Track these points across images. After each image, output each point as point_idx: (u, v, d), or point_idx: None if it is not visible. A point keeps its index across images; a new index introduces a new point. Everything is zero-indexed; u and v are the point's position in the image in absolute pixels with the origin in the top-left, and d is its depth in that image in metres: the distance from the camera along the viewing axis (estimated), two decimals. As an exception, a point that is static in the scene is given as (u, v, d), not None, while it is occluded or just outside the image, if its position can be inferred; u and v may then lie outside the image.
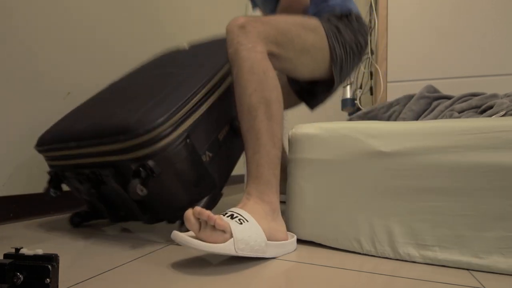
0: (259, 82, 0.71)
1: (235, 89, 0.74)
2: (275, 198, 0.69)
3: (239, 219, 0.59)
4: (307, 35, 0.84)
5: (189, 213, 0.55)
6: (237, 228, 0.57)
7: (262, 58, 0.73)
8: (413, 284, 0.52)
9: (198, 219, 0.54)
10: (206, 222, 0.54)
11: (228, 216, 0.60)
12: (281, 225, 0.69)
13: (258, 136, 0.69)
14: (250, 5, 2.78)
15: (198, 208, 0.54)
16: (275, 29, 0.78)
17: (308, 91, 1.09)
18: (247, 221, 0.60)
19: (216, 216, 0.54)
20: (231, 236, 0.55)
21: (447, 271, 0.59)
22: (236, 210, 0.63)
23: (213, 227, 0.54)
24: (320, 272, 0.57)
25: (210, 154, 0.77)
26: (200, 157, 0.74)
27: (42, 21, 1.04)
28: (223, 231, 0.55)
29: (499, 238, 0.57)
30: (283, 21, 0.81)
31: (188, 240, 0.53)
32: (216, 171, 0.79)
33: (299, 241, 0.77)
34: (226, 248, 0.54)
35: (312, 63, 0.89)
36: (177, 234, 0.55)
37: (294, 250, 0.70)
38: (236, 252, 0.55)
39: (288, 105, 1.15)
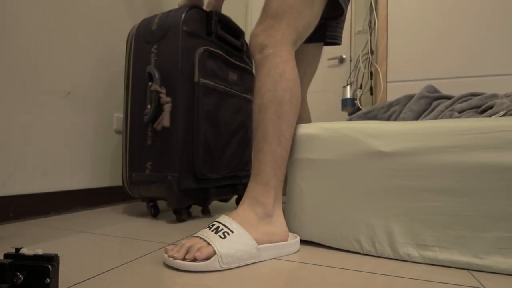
0: (273, 83, 0.71)
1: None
2: (271, 200, 0.67)
3: (224, 232, 0.60)
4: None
5: (169, 253, 0.58)
6: (221, 244, 0.57)
7: (280, 61, 0.73)
8: (413, 284, 0.52)
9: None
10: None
11: (213, 230, 0.61)
12: (279, 227, 0.68)
13: (264, 134, 0.69)
14: (250, 5, 2.77)
15: (174, 249, 0.58)
16: (290, 26, 0.76)
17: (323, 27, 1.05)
18: (232, 232, 0.60)
19: (194, 250, 0.56)
20: (215, 252, 0.56)
21: (447, 271, 0.59)
22: (223, 220, 0.63)
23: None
24: (320, 272, 0.57)
25: None
26: None
27: (42, 21, 1.03)
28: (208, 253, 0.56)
29: (499, 239, 0.58)
30: (288, 6, 0.77)
31: (173, 262, 0.56)
32: None
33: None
34: (210, 265, 0.55)
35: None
36: (165, 258, 0.58)
37: (297, 251, 0.69)
38: (222, 267, 0.56)
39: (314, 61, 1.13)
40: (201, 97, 0.97)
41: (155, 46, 1.00)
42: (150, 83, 0.97)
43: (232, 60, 1.12)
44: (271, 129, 0.69)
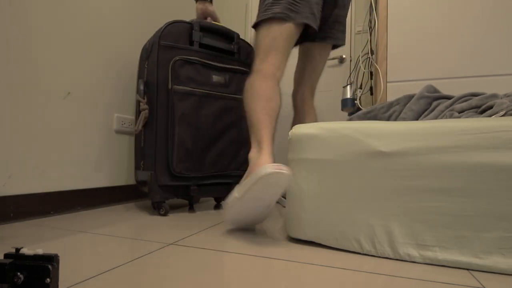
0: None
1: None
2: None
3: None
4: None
5: None
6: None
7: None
8: (413, 284, 0.52)
9: None
10: None
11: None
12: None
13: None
14: (250, 5, 2.78)
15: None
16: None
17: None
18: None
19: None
20: None
21: (447, 271, 0.59)
22: None
23: None
24: (320, 272, 0.57)
25: None
26: None
27: (42, 21, 1.03)
28: None
29: (499, 239, 0.58)
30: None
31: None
32: None
33: (299, 241, 0.77)
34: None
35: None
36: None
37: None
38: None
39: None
40: (175, 102, 1.08)
41: (146, 62, 1.16)
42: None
43: (215, 64, 1.18)
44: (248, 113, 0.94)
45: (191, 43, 1.14)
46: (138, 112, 1.13)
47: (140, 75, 1.20)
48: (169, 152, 1.07)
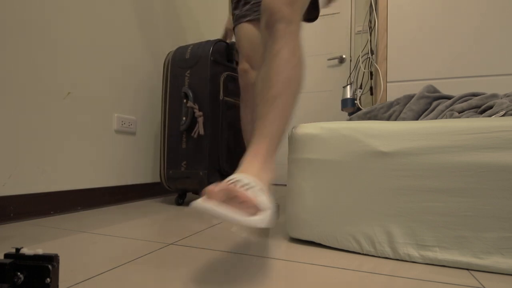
0: (299, 62, 0.74)
1: None
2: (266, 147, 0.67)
3: (260, 189, 0.52)
4: None
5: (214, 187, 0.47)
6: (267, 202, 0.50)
7: (300, 44, 0.76)
8: (413, 284, 0.52)
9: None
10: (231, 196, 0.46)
11: (245, 187, 0.50)
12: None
13: (286, 104, 0.69)
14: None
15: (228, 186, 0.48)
16: (303, 5, 0.77)
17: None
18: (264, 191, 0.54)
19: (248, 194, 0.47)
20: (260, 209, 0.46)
21: (447, 271, 0.59)
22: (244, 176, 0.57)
23: (241, 202, 0.45)
24: (320, 272, 0.57)
25: None
26: None
27: (42, 21, 1.04)
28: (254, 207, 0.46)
29: (499, 239, 0.58)
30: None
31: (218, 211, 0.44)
32: None
33: (299, 241, 0.78)
34: (264, 220, 0.46)
35: None
36: (199, 204, 0.45)
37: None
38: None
39: None
40: (224, 111, 1.27)
41: (188, 71, 1.28)
42: (185, 100, 1.24)
43: None
44: (292, 100, 0.69)
45: (229, 61, 1.34)
46: (191, 118, 1.22)
47: (175, 81, 1.31)
48: (220, 153, 1.25)
